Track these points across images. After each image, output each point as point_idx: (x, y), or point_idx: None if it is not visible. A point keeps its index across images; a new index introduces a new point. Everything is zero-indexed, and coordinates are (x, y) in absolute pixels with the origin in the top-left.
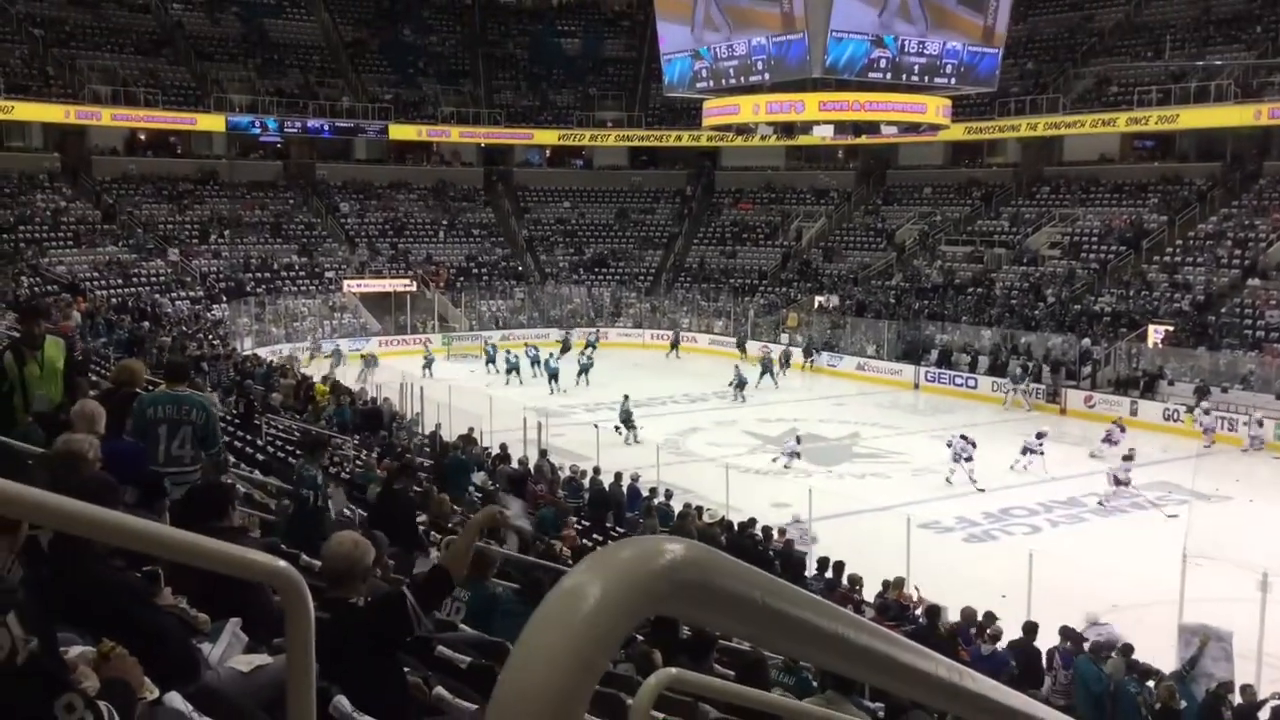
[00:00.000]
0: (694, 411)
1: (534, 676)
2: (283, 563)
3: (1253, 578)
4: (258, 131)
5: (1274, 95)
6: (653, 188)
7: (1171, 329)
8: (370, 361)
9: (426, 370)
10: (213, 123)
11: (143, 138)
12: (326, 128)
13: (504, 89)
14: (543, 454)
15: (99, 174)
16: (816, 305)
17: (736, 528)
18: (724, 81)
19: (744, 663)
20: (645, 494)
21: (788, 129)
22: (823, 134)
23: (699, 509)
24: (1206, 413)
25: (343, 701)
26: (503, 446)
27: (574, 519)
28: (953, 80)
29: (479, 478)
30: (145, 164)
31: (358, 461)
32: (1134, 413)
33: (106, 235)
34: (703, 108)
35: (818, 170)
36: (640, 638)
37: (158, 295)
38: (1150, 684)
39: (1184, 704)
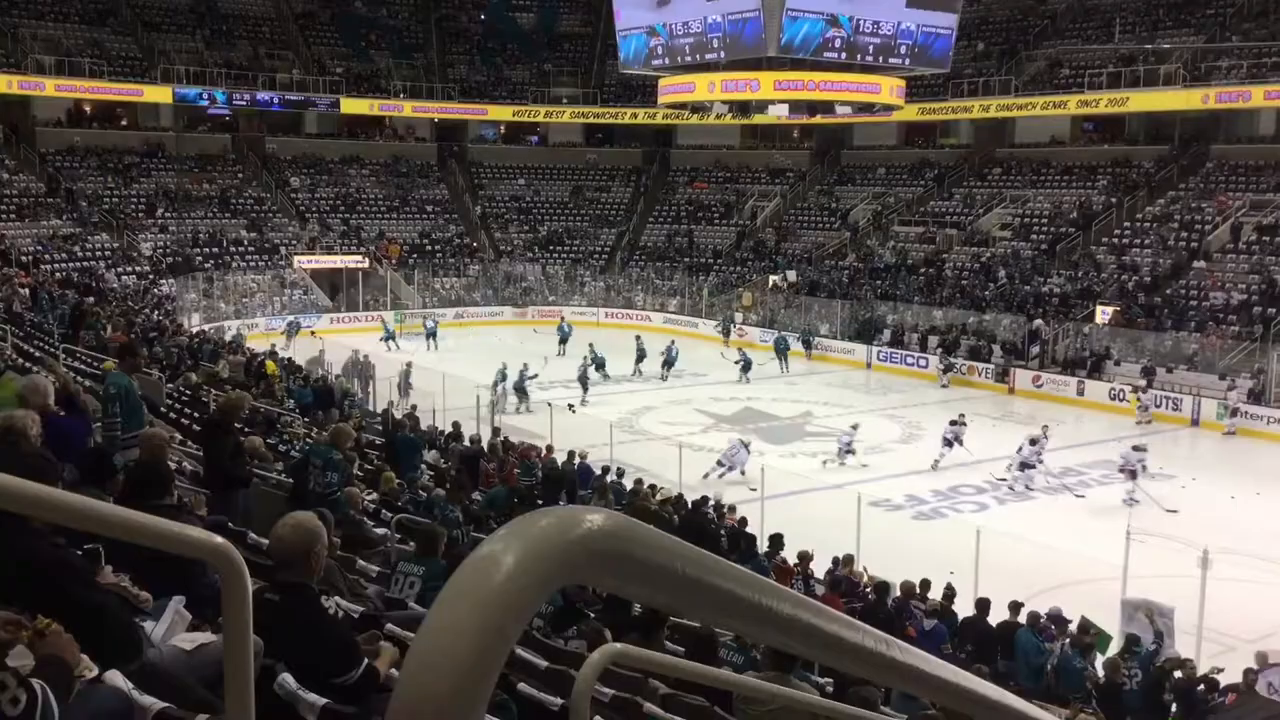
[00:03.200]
0: (647, 390)
1: (445, 642)
2: (220, 539)
3: (1194, 554)
4: (206, 104)
5: (1221, 79)
6: (608, 165)
7: (1119, 310)
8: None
9: (390, 343)
10: (159, 94)
11: (87, 109)
12: (276, 101)
13: (458, 63)
14: (495, 432)
15: (43, 145)
16: (770, 284)
17: (690, 506)
18: (679, 59)
19: (693, 639)
20: (598, 472)
21: (743, 108)
22: (778, 113)
23: (651, 487)
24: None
25: (288, 679)
26: (455, 425)
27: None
28: (906, 61)
29: (431, 456)
30: (90, 136)
31: (307, 440)
32: (1081, 393)
33: (50, 208)
34: (658, 85)
35: (773, 150)
36: (592, 615)
37: (103, 270)
38: (1099, 658)
39: (1125, 678)
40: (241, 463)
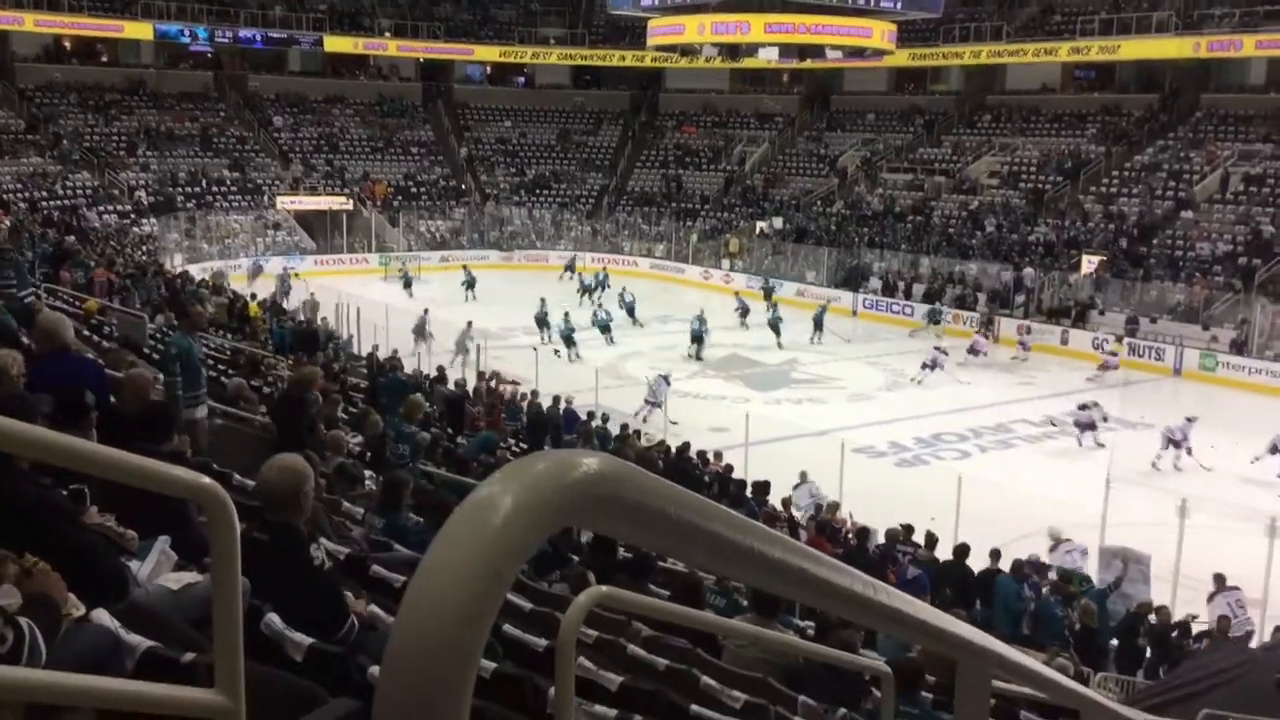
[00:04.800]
0: (634, 336)
1: (444, 584)
2: (207, 479)
3: (1172, 503)
4: (187, 40)
5: (1214, 28)
6: (595, 108)
7: (1104, 259)
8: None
9: (407, 290)
10: (140, 30)
11: (67, 45)
12: (259, 38)
13: (443, 1)
14: (480, 376)
15: (22, 82)
16: (758, 231)
17: (674, 451)
18: (670, 0)
19: (680, 585)
20: (583, 417)
21: (732, 50)
22: (768, 56)
23: (637, 432)
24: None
25: (274, 619)
26: (440, 369)
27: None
28: (899, 5)
29: (416, 399)
30: (70, 72)
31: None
32: (1064, 341)
33: (30, 146)
34: (647, 26)
35: (762, 94)
36: (576, 559)
37: (84, 209)
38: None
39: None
40: (316, 435)
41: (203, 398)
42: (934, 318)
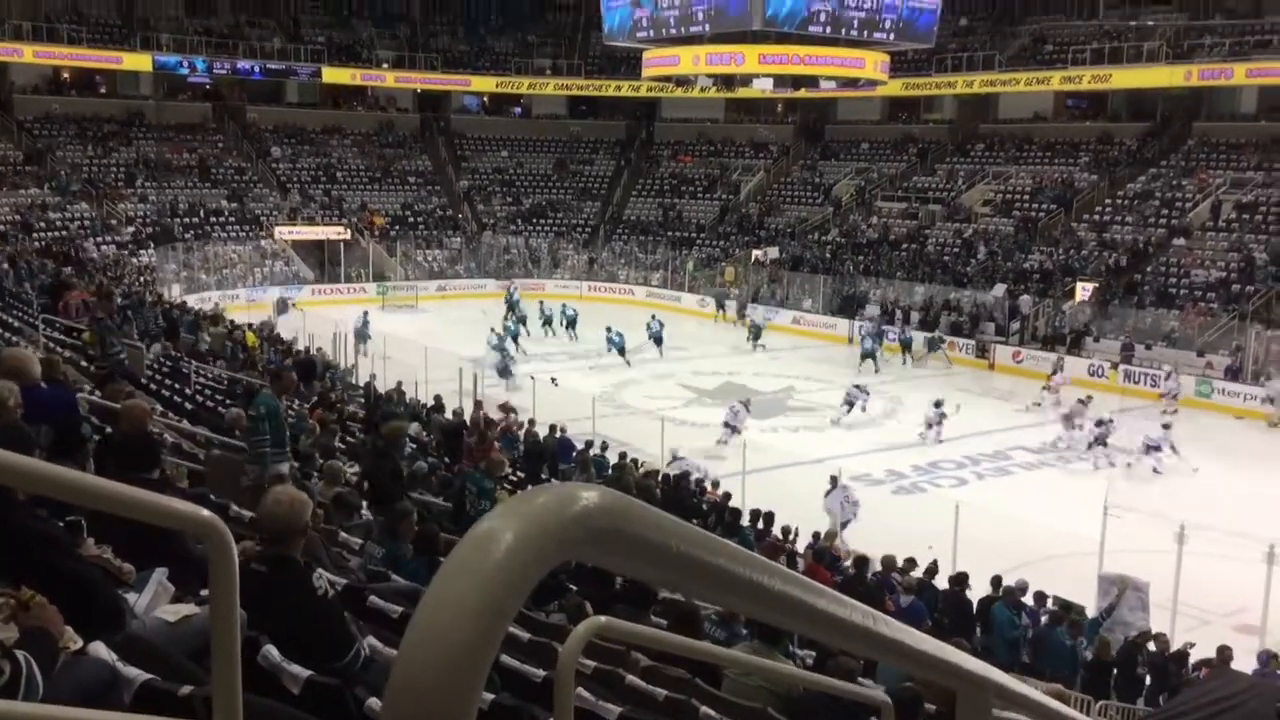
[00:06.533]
0: (632, 365)
1: (445, 620)
2: (206, 512)
3: (1170, 530)
4: (186, 72)
5: (1204, 57)
6: (592, 138)
7: (1099, 286)
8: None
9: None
10: (139, 62)
11: (66, 76)
12: (257, 69)
13: (441, 33)
14: (478, 405)
15: (21, 113)
16: (754, 259)
17: (672, 480)
18: (665, 31)
19: (676, 614)
20: (580, 446)
21: (727, 81)
22: (762, 86)
23: (634, 461)
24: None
25: (272, 651)
26: (437, 398)
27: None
28: (891, 36)
29: (414, 428)
30: (69, 104)
31: (289, 411)
32: (1060, 369)
33: (29, 177)
34: (643, 58)
35: (756, 124)
36: (574, 588)
37: (82, 240)
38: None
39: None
40: (399, 485)
41: (286, 454)
42: (933, 346)
